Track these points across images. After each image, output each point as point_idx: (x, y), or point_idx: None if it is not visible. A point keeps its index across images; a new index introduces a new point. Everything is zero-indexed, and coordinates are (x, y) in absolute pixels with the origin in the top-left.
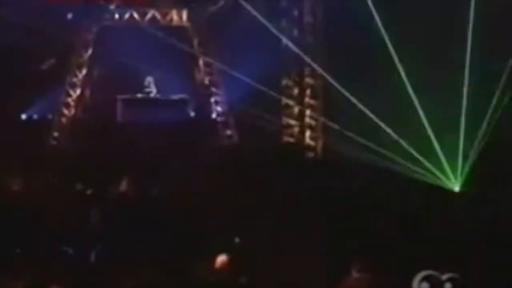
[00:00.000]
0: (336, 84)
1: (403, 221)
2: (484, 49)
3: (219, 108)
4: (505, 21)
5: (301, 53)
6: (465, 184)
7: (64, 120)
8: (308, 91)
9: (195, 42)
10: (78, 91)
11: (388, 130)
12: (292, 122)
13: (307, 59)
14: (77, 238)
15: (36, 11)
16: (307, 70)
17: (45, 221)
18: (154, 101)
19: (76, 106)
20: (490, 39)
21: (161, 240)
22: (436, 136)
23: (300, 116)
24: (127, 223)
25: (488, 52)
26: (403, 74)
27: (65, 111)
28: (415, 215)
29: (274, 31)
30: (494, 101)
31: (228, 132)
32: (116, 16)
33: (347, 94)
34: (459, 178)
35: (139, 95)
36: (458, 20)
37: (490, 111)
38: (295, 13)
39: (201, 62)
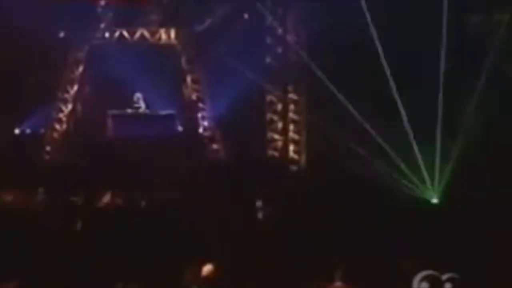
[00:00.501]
0: (319, 100)
1: (386, 232)
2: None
3: (206, 123)
4: (477, 36)
5: (285, 70)
6: (442, 197)
7: (56, 134)
8: (291, 107)
9: (183, 59)
10: (70, 106)
11: (371, 142)
12: (276, 136)
13: (291, 76)
14: (65, 249)
15: (30, 29)
16: (290, 87)
17: (38, 232)
18: (143, 116)
19: (67, 121)
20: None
21: (149, 250)
22: (418, 148)
23: (284, 131)
24: (115, 234)
25: (463, 65)
26: (387, 86)
27: (57, 126)
28: (397, 226)
29: (259, 48)
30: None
31: (215, 146)
32: (107, 34)
33: (330, 108)
34: (436, 190)
35: (128, 111)
36: (432, 36)
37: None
38: (279, 31)
39: (188, 78)
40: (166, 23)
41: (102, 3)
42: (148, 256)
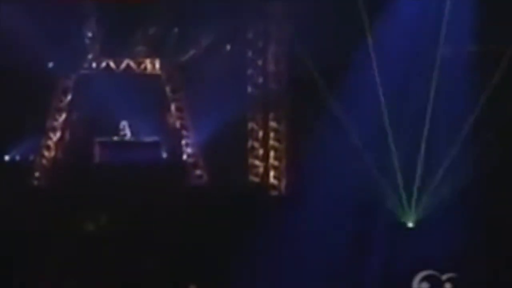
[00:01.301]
0: (298, 128)
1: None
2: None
3: (189, 150)
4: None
5: (265, 99)
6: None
7: (45, 161)
8: (272, 134)
9: (167, 88)
10: (58, 134)
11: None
12: (257, 163)
13: (271, 105)
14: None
15: (19, 59)
16: (271, 115)
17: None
18: (129, 143)
19: (56, 148)
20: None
21: (132, 275)
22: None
23: (265, 157)
24: (101, 259)
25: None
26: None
27: (46, 153)
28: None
29: (241, 78)
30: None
31: (198, 172)
32: (94, 65)
33: (310, 136)
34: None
35: (115, 138)
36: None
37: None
38: (260, 62)
39: (172, 107)
40: (151, 54)
41: (90, 34)
42: (133, 278)
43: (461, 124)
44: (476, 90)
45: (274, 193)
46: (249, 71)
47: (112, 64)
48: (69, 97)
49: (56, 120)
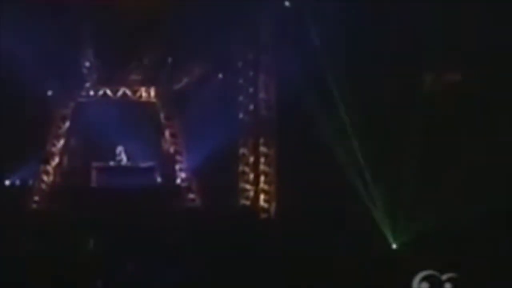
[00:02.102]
0: (287, 153)
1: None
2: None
3: (183, 175)
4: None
5: (256, 125)
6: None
7: (43, 185)
8: (262, 159)
9: (162, 115)
10: (57, 159)
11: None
12: (248, 186)
13: (262, 131)
14: None
15: (21, 87)
16: (261, 141)
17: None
18: (125, 168)
19: (54, 173)
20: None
21: None
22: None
23: (255, 182)
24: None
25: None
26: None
27: (45, 178)
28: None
29: (232, 105)
30: None
31: (191, 195)
32: (91, 92)
33: (298, 162)
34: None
35: (111, 163)
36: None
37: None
38: (251, 90)
39: (167, 133)
40: (146, 82)
41: (87, 64)
42: None
43: None
44: None
45: (263, 216)
46: (240, 98)
47: (109, 92)
48: (67, 124)
49: (54, 146)
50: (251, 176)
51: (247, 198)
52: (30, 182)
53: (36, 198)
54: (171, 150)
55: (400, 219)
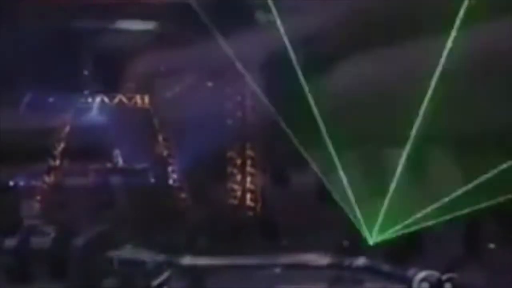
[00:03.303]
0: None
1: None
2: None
3: (175, 176)
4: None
5: (243, 131)
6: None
7: (45, 186)
8: (248, 162)
9: (155, 121)
10: (58, 161)
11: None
12: (236, 187)
13: (248, 136)
14: None
15: (24, 94)
16: (248, 144)
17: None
18: (121, 170)
19: (55, 174)
20: None
21: None
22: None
23: (242, 182)
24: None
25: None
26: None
27: (47, 179)
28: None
29: (221, 112)
30: None
31: (183, 195)
32: (90, 99)
33: (283, 163)
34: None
35: (108, 165)
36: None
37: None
38: (239, 98)
39: (160, 137)
40: (141, 90)
41: (86, 73)
42: None
43: None
44: None
45: (250, 213)
46: (229, 106)
47: (106, 99)
48: (67, 129)
49: (55, 149)
50: (239, 177)
51: (234, 197)
52: (33, 182)
53: (39, 198)
54: (164, 153)
55: (381, 218)
